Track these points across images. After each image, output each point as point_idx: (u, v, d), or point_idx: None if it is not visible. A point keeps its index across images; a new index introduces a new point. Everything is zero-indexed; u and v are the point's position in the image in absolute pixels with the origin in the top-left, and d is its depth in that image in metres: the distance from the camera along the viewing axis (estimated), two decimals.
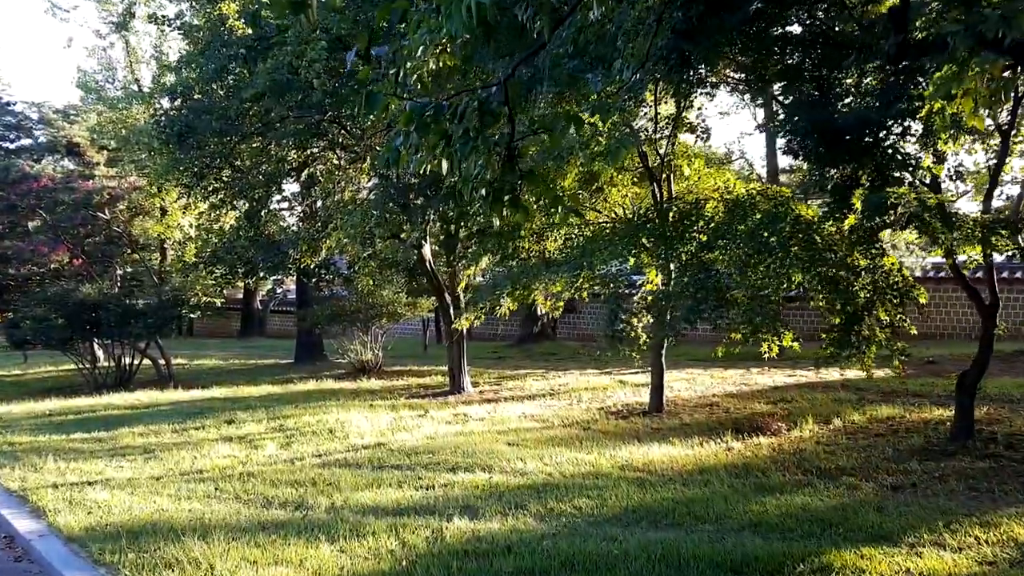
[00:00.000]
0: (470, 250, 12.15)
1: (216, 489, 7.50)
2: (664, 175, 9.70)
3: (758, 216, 7.58)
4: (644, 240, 7.96)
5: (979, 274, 9.84)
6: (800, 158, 6.84)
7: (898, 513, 5.64)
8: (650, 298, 8.25)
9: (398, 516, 6.24)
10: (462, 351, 14.40)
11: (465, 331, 14.51)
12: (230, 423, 11.42)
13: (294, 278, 23.85)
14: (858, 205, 6.28)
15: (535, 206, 9.84)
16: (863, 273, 7.02)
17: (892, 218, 6.47)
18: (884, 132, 5.94)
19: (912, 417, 9.24)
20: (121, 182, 22.66)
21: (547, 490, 6.72)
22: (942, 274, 17.85)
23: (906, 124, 6.21)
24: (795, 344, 7.72)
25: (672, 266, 7.72)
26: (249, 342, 31.37)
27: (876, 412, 9.64)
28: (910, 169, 6.48)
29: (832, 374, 14.08)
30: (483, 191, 3.57)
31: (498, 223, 10.76)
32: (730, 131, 69.57)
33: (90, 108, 29.11)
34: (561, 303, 10.31)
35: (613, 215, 10.69)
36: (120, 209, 22.90)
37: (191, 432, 10.81)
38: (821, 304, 7.16)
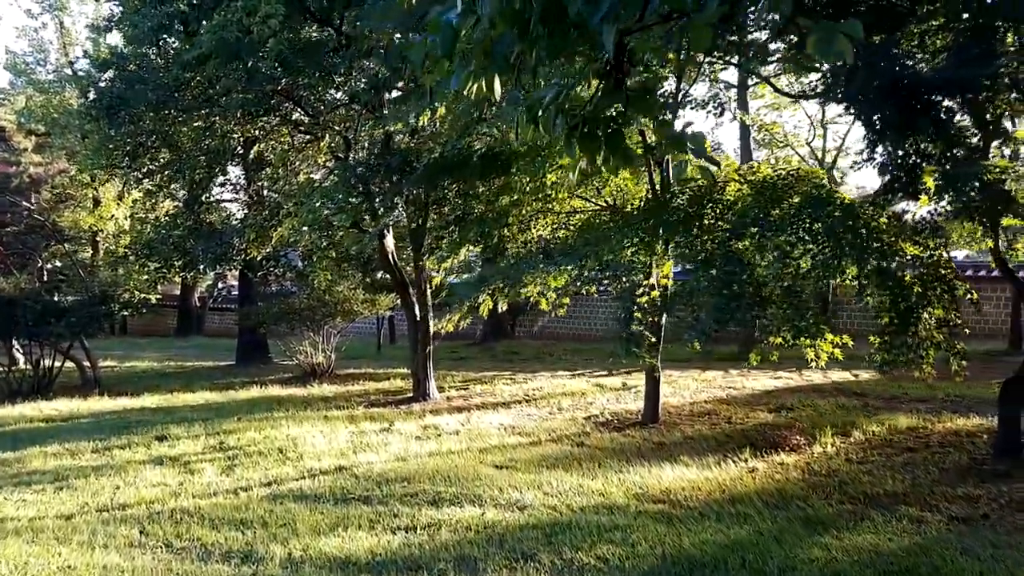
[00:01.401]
0: (444, 241, 10.84)
1: (141, 533, 6.08)
2: (666, 157, 8.58)
3: (796, 199, 6.53)
4: (659, 227, 6.81)
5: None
6: (868, 127, 5.81)
7: (991, 558, 4.63)
8: (667, 295, 7.09)
9: (375, 573, 4.97)
10: (428, 353, 13.10)
11: (431, 331, 13.26)
12: (162, 440, 9.90)
13: (237, 272, 22.18)
14: (930, 184, 5.29)
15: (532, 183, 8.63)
16: (916, 266, 6.02)
17: (975, 199, 5.46)
18: (971, 95, 4.93)
19: (937, 428, 8.36)
20: (48, 168, 20.57)
21: (557, 531, 5.53)
22: (968, 272, 17.31)
23: (999, 85, 5.22)
24: (838, 348, 6.63)
25: (698, 257, 6.59)
26: (187, 341, 29.35)
27: (893, 422, 8.74)
28: (1002, 140, 5.50)
29: (816, 376, 13.32)
30: (568, 120, 2.34)
31: (481, 208, 9.56)
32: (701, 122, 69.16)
33: (19, 91, 26.75)
34: (566, 299, 9.12)
35: (605, 203, 9.55)
36: (44, 195, 20.79)
37: (115, 452, 9.26)
38: (873, 301, 6.12)
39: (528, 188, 8.23)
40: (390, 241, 13.03)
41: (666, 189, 8.73)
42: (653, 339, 7.00)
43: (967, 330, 7.03)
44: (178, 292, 32.36)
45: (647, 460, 7.70)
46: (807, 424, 8.92)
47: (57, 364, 15.49)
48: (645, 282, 7.25)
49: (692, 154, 2.76)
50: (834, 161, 24.44)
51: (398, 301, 17.77)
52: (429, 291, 13.38)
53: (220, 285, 35.03)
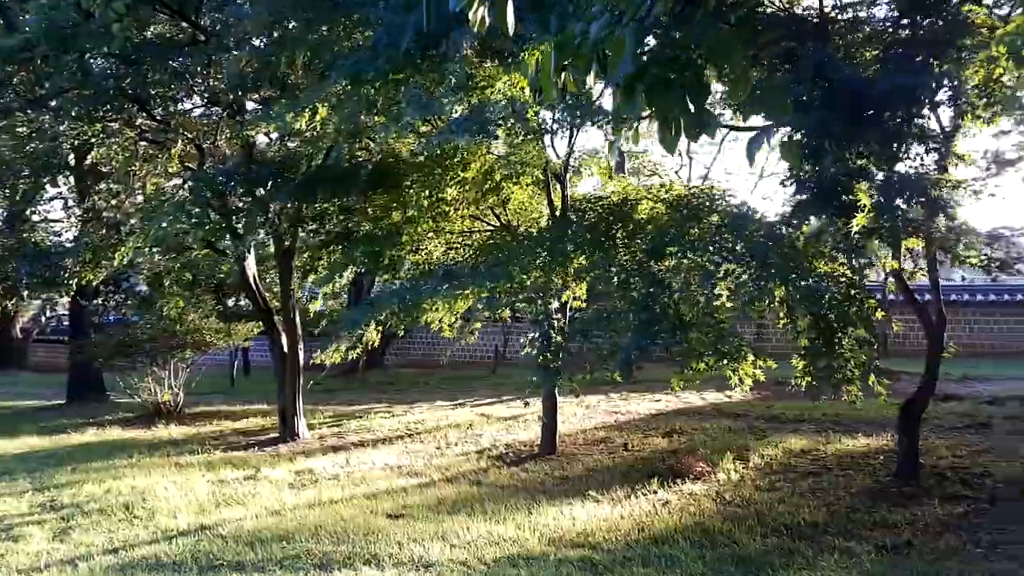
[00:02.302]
0: (321, 262, 9.88)
1: None
2: (568, 175, 8.23)
3: (715, 218, 6.31)
4: (568, 246, 6.37)
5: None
6: (790, 145, 5.64)
7: None
8: (578, 320, 6.64)
9: None
10: (296, 387, 11.97)
11: (301, 364, 12.15)
12: None
13: (68, 299, 19.73)
14: (864, 199, 5.16)
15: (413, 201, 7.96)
16: (834, 286, 5.92)
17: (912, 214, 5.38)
18: (910, 105, 4.83)
19: (831, 450, 8.44)
20: None
21: None
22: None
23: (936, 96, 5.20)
24: (755, 372, 6.42)
25: (614, 279, 6.18)
26: (7, 376, 25.87)
27: (786, 444, 8.78)
28: (939, 151, 5.47)
29: (692, 398, 13.47)
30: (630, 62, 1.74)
31: (368, 226, 8.73)
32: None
33: None
34: (478, 324, 8.42)
35: (500, 223, 9.03)
36: None
37: None
38: (788, 322, 5.95)
39: (425, 203, 7.58)
40: (251, 263, 11.85)
41: (566, 209, 8.38)
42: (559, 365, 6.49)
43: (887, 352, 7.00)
44: None
45: (554, 497, 7.18)
46: (704, 450, 8.78)
47: None
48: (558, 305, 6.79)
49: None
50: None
51: (255, 331, 16.42)
52: (298, 319, 12.30)
53: (49, 314, 31.31)
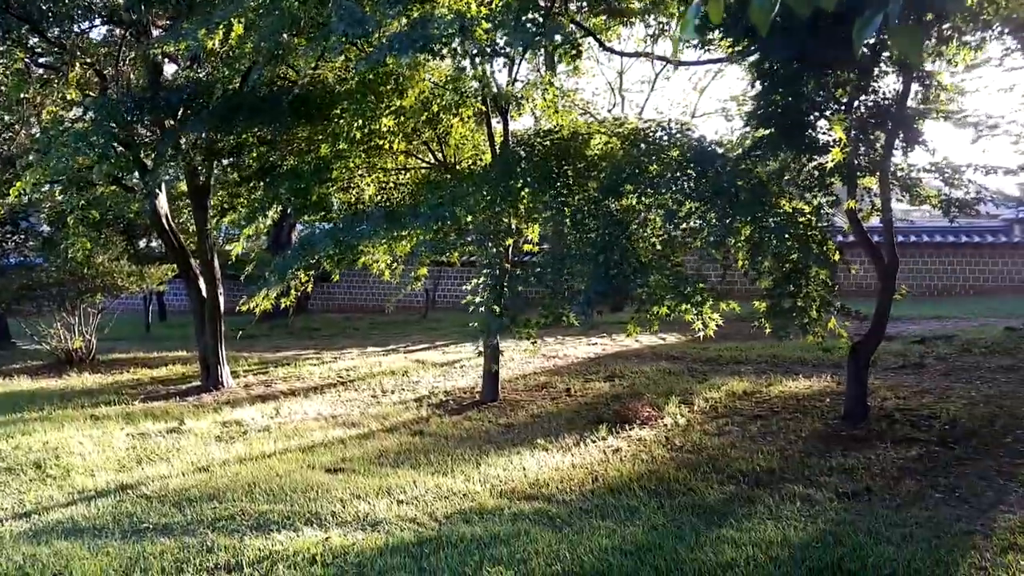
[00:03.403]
0: (240, 200, 9.13)
1: None
2: (510, 108, 7.73)
3: (675, 153, 5.98)
4: (518, 183, 5.94)
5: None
6: (760, 75, 5.34)
7: (900, 538, 4.39)
8: (533, 261, 6.26)
9: None
10: (219, 334, 11.31)
11: (222, 308, 11.45)
12: None
13: None
14: (840, 133, 4.90)
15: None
16: (795, 226, 5.72)
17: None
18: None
19: (773, 392, 8.48)
20: None
21: (426, 553, 4.56)
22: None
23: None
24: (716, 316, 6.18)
25: (567, 220, 5.82)
26: None
27: (728, 387, 8.78)
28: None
29: (628, 341, 13.46)
30: None
31: (293, 161, 8.07)
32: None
33: None
34: (423, 270, 7.88)
35: (436, 160, 8.50)
36: None
37: None
38: (749, 262, 5.72)
39: (357, 135, 6.98)
40: (163, 201, 10.96)
41: (507, 145, 7.92)
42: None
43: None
44: None
45: (501, 447, 6.94)
46: (648, 394, 8.71)
47: None
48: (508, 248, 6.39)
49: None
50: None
51: (169, 274, 15.47)
52: (216, 261, 11.54)
53: None
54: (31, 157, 8.10)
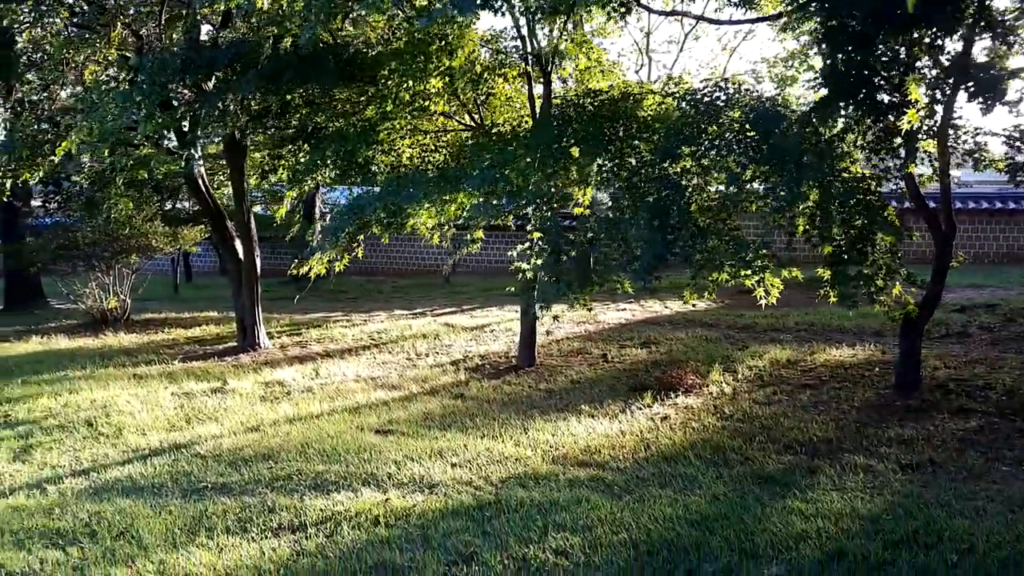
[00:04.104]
0: (281, 162, 9.06)
1: None
2: (551, 66, 7.55)
3: (735, 114, 5.82)
4: (570, 145, 5.82)
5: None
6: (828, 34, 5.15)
7: (974, 512, 4.33)
8: (587, 226, 6.16)
9: None
10: (256, 295, 11.37)
11: (257, 269, 11.47)
12: None
13: None
14: (916, 95, 4.71)
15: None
16: (864, 189, 5.56)
17: None
18: None
19: (818, 360, 8.39)
20: None
21: (487, 517, 4.58)
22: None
23: None
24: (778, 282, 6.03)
25: (624, 183, 5.69)
26: None
27: (770, 355, 8.70)
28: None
29: (657, 307, 13.40)
30: None
31: (338, 123, 7.99)
32: None
33: None
34: (479, 233, 7.81)
35: (474, 122, 8.36)
36: None
37: None
38: (813, 228, 5.58)
39: (405, 96, 6.86)
40: (199, 162, 10.93)
41: (549, 106, 7.76)
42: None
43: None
44: None
45: (545, 412, 6.94)
46: (685, 360, 8.65)
47: None
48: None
49: None
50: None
51: (201, 236, 15.52)
52: (253, 223, 11.55)
53: None
54: (76, 118, 8.05)
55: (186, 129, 9.31)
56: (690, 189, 5.73)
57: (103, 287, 13.82)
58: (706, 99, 6.14)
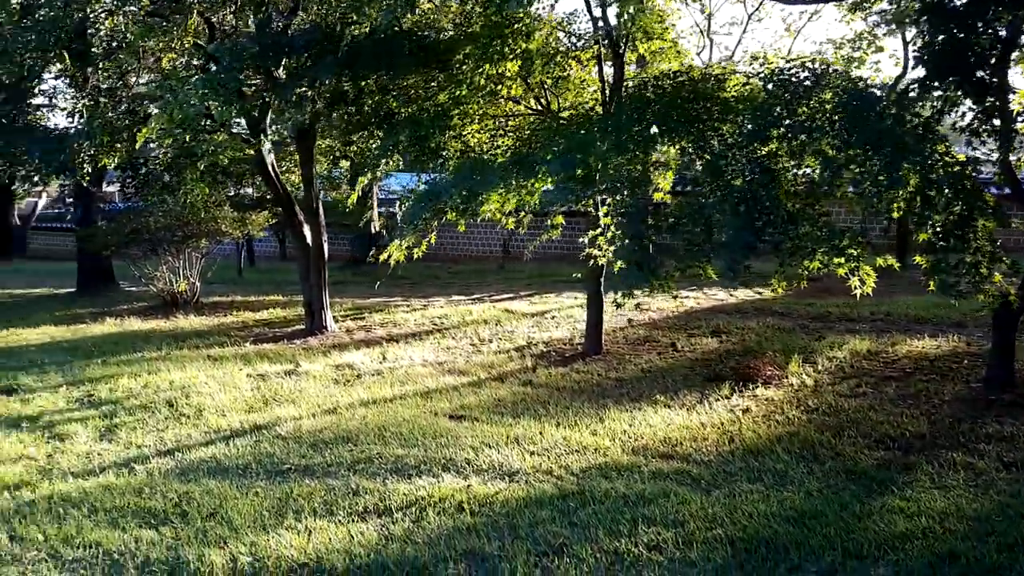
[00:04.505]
0: (352, 148, 9.11)
1: (12, 538, 4.48)
2: (623, 47, 7.39)
3: (827, 95, 5.61)
4: (652, 128, 5.68)
5: None
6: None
7: None
8: (667, 211, 6.03)
9: None
10: (323, 280, 11.53)
11: (325, 254, 11.62)
12: (10, 393, 7.95)
13: (66, 186, 18.90)
14: None
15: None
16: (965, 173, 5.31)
17: None
18: None
19: (900, 351, 8.10)
20: None
21: (573, 507, 4.53)
22: None
23: None
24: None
25: (713, 166, 5.53)
26: (9, 265, 25.32)
27: (850, 345, 8.43)
28: None
29: (721, 295, 13.13)
30: None
31: (410, 108, 7.98)
32: None
33: None
34: (560, 218, 7.73)
35: (540, 105, 8.26)
36: None
37: None
38: (911, 214, 5.34)
39: (481, 81, 6.81)
40: (268, 148, 11.08)
41: (621, 88, 7.60)
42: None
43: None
44: None
45: (619, 402, 6.85)
46: (759, 350, 8.45)
47: None
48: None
49: None
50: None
51: (268, 221, 15.81)
52: (321, 209, 11.69)
53: (40, 200, 30.41)
54: (154, 104, 8.22)
55: (256, 116, 9.45)
56: (779, 173, 5.53)
57: (173, 271, 14.20)
58: (794, 79, 5.91)
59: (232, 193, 18.05)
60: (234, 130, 10.92)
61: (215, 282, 17.43)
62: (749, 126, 5.71)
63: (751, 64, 6.62)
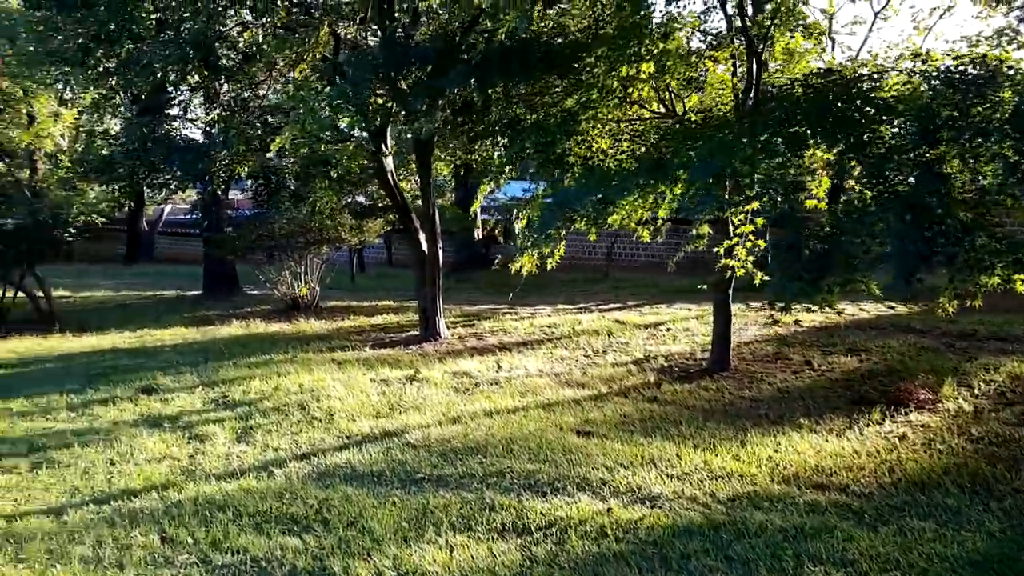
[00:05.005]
0: (473, 156, 9.11)
1: (164, 540, 4.61)
2: (761, 47, 7.01)
3: (1006, 94, 5.11)
4: (803, 130, 5.32)
5: None
6: None
7: None
8: (822, 220, 5.66)
9: None
10: (438, 287, 11.61)
11: (439, 261, 11.71)
12: (149, 392, 8.32)
13: (193, 193, 19.95)
14: None
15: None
16: None
17: None
18: None
19: None
20: None
21: (727, 540, 4.24)
22: None
23: None
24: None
25: (878, 172, 5.14)
26: (138, 269, 27.03)
27: (1008, 368, 7.70)
28: None
29: (852, 309, 12.34)
30: None
31: (534, 115, 7.89)
32: None
33: None
34: (704, 227, 7.49)
35: (665, 108, 7.96)
36: None
37: (96, 410, 7.66)
38: None
39: (614, 84, 6.63)
40: (389, 158, 11.27)
41: (758, 89, 7.22)
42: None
43: None
44: (124, 215, 29.52)
45: (758, 424, 6.48)
46: (905, 371, 7.84)
47: (8, 296, 13.45)
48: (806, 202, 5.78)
49: None
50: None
51: (384, 228, 16.15)
52: (438, 217, 11.79)
53: (166, 207, 32.29)
54: (288, 115, 8.48)
55: (378, 125, 9.61)
56: (961, 178, 5.06)
57: (295, 275, 14.71)
58: (965, 77, 5.41)
59: (348, 200, 18.60)
60: (357, 140, 11.18)
61: (330, 287, 18.01)
62: (913, 128, 5.25)
63: (910, 61, 6.12)
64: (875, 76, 6.08)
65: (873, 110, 5.69)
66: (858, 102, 5.74)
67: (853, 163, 5.49)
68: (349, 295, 17.44)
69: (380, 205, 16.20)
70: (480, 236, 24.29)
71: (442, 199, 20.79)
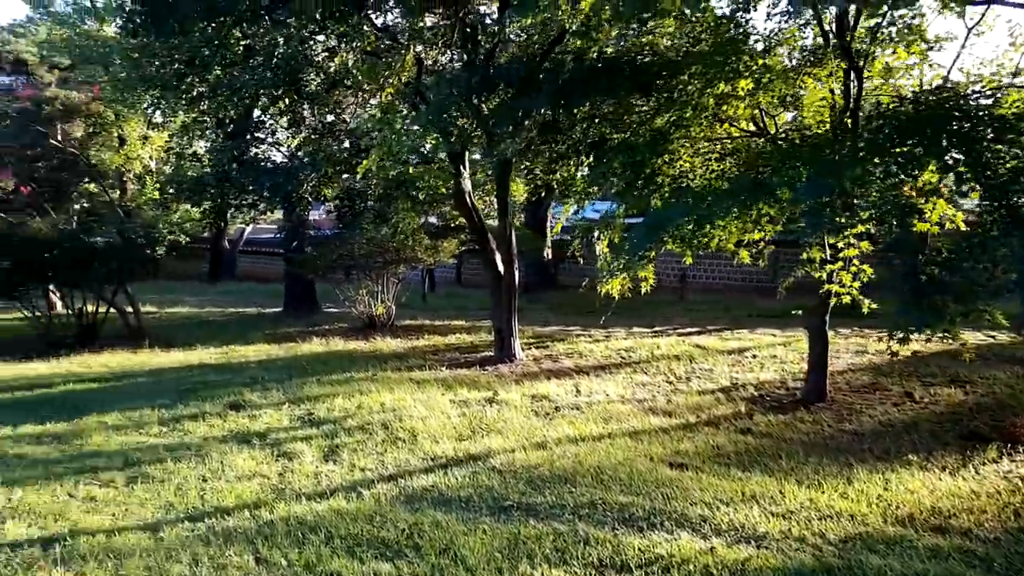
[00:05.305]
0: (555, 176, 9.04)
1: (258, 561, 4.61)
2: (864, 62, 6.72)
3: None
4: (918, 150, 5.02)
5: None
6: None
7: None
8: (939, 246, 5.36)
9: None
10: (512, 308, 11.52)
11: (516, 283, 11.64)
12: (237, 408, 8.47)
13: (275, 213, 20.57)
14: None
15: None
16: None
17: None
18: None
19: None
20: (76, 95, 18.71)
21: None
22: None
23: None
24: None
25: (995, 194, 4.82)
26: (222, 287, 27.95)
27: None
28: None
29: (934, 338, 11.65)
30: None
31: (620, 135, 7.77)
32: None
33: (38, 23, 24.75)
34: (816, 251, 7.23)
35: (757, 127, 7.71)
36: (76, 127, 18.95)
37: (187, 425, 7.82)
38: None
39: (710, 102, 6.46)
40: (467, 180, 11.30)
41: (857, 107, 6.91)
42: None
43: None
44: (207, 234, 30.63)
45: (862, 460, 6.11)
46: (1018, 405, 7.32)
47: (101, 311, 14.04)
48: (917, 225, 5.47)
49: None
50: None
51: (459, 249, 16.25)
52: (515, 238, 11.73)
53: (248, 227, 33.36)
54: (374, 135, 8.59)
55: (459, 148, 9.65)
56: None
57: (372, 294, 14.90)
58: None
59: (422, 221, 18.84)
60: (440, 162, 11.27)
61: (403, 306, 18.20)
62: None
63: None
64: (989, 93, 5.72)
65: (992, 129, 5.35)
66: (972, 120, 5.41)
67: (972, 184, 5.15)
68: (422, 314, 17.57)
69: (453, 225, 16.31)
70: (549, 256, 24.22)
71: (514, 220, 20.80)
